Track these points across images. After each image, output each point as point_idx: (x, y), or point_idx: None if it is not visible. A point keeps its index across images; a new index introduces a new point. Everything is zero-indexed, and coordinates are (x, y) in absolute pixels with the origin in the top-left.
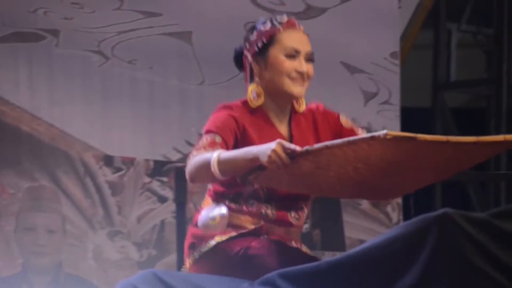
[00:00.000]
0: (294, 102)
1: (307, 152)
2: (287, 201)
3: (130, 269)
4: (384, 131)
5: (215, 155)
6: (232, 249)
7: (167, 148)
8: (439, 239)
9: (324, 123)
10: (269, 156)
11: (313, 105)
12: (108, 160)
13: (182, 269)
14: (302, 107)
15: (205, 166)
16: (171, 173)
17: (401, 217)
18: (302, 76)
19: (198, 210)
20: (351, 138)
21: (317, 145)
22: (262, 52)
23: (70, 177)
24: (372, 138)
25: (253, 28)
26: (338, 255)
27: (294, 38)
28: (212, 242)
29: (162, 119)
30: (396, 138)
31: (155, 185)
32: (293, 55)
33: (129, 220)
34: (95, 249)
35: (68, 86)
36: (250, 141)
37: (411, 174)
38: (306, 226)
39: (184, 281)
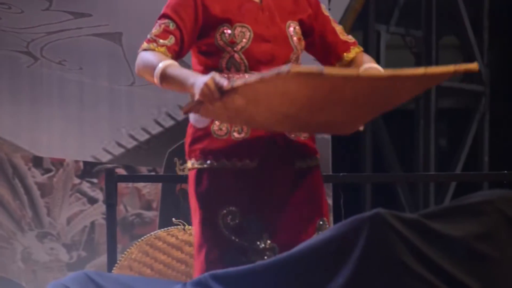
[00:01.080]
0: None
1: (232, 88)
2: (266, 67)
3: (59, 271)
4: (287, 67)
5: (161, 65)
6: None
7: (97, 149)
8: (370, 239)
9: (305, 2)
10: (202, 90)
11: None
12: (37, 161)
13: (113, 270)
14: None
15: (150, 70)
16: (101, 174)
17: (331, 218)
18: None
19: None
20: (263, 74)
21: (238, 81)
22: None
23: None
24: (278, 74)
25: None
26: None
27: None
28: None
29: (91, 120)
30: (301, 74)
31: (85, 186)
32: None
33: (58, 221)
34: (23, 251)
35: None
36: (213, 15)
37: (344, 108)
38: None
39: (115, 282)
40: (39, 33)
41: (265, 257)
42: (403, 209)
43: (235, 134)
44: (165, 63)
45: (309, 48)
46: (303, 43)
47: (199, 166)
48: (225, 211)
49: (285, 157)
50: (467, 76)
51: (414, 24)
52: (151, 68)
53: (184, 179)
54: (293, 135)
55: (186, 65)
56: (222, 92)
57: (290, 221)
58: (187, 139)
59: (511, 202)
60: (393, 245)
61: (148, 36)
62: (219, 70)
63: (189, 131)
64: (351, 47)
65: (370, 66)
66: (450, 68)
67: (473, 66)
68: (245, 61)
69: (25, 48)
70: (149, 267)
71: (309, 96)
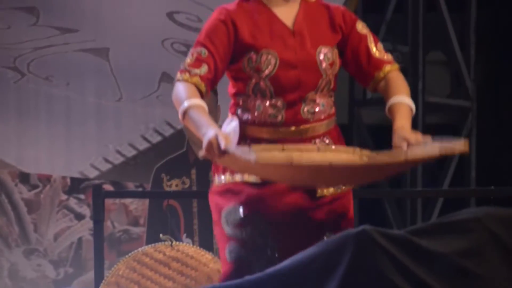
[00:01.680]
0: None
1: (235, 156)
2: (293, 94)
3: None
4: (253, 155)
5: (185, 105)
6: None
7: (84, 165)
8: (356, 256)
9: (338, 18)
10: (206, 145)
11: (339, 7)
12: (24, 178)
13: (100, 286)
14: None
15: (178, 105)
16: (88, 190)
17: None
18: None
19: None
20: (240, 153)
21: (231, 149)
22: None
23: None
24: (248, 161)
25: None
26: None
27: None
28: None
29: (79, 136)
30: (268, 164)
31: (72, 202)
32: None
33: (45, 238)
34: (10, 268)
35: None
36: (242, 40)
37: (340, 178)
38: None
39: None
40: (26, 48)
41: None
42: (390, 224)
43: None
44: (190, 102)
45: (344, 66)
46: (336, 67)
47: (225, 181)
48: (232, 212)
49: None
50: (454, 91)
51: (400, 39)
52: (179, 103)
53: (172, 195)
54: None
55: None
56: (222, 152)
57: (298, 239)
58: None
59: (498, 219)
60: (379, 262)
61: (182, 66)
62: (246, 95)
63: None
64: (384, 65)
65: (393, 105)
66: (435, 151)
67: (461, 147)
68: (271, 87)
69: (12, 63)
70: (136, 284)
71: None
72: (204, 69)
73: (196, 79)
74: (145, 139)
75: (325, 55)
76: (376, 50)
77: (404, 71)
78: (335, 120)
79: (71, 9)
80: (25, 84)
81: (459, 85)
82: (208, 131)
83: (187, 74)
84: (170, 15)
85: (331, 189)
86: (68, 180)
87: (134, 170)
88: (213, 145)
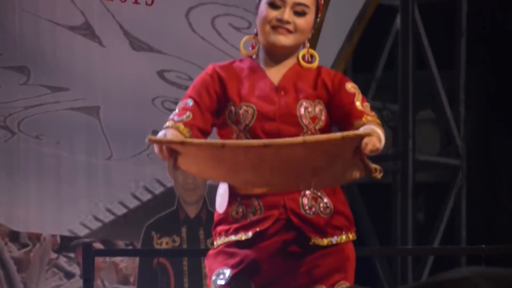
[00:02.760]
0: (300, 57)
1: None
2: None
3: None
4: (181, 138)
5: (160, 133)
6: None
7: (74, 224)
8: None
9: (327, 78)
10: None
11: (331, 70)
12: (13, 236)
13: None
14: (310, 64)
15: None
16: (78, 248)
17: None
18: (282, 24)
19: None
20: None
21: (174, 139)
22: (258, 3)
23: None
24: (180, 142)
25: None
26: None
27: None
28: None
29: (69, 194)
30: (201, 145)
31: (62, 261)
32: (276, 4)
33: None
34: None
35: None
36: (225, 94)
37: (289, 172)
38: None
39: None
40: (16, 107)
41: None
42: (381, 283)
43: (250, 216)
44: (164, 132)
45: (334, 124)
46: (321, 122)
47: (220, 243)
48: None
49: (298, 233)
50: (444, 150)
51: (390, 98)
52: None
53: (162, 253)
54: (310, 213)
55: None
56: (169, 150)
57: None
58: (213, 224)
59: (489, 279)
60: None
61: (169, 118)
62: None
63: (214, 215)
64: (365, 115)
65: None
66: (337, 135)
67: (366, 133)
68: (248, 136)
69: (3, 122)
70: None
71: (236, 162)
72: (188, 115)
73: (179, 125)
74: (135, 197)
75: (305, 109)
76: (361, 105)
77: (394, 129)
78: None
79: (62, 68)
80: (15, 142)
81: (449, 143)
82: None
83: (171, 122)
84: (160, 74)
85: (326, 240)
86: (58, 239)
87: (124, 228)
88: (158, 147)
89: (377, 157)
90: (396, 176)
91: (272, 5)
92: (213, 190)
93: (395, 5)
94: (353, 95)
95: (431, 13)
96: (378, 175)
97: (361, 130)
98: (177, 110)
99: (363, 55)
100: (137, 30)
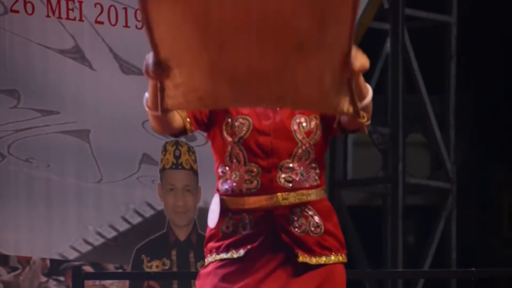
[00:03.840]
0: None
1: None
2: (266, 160)
3: None
4: None
5: (146, 94)
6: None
7: (64, 247)
8: None
9: None
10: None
11: None
12: (3, 260)
13: None
14: None
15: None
16: (68, 272)
17: None
18: None
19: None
20: None
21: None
22: None
23: None
24: None
25: None
26: None
27: None
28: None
29: (59, 217)
30: None
31: (52, 284)
32: None
33: None
34: None
35: None
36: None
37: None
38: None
39: None
40: (6, 130)
41: None
42: None
43: (241, 231)
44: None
45: (327, 130)
46: (316, 137)
47: (211, 260)
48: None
49: (288, 251)
50: (434, 173)
51: (381, 121)
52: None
53: (152, 276)
54: (299, 231)
55: None
56: (155, 64)
57: None
58: (205, 240)
59: None
60: None
61: None
62: (225, 165)
63: (206, 231)
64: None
65: None
66: None
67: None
68: (244, 152)
69: None
70: None
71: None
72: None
73: (182, 112)
74: (125, 220)
75: (299, 124)
76: None
77: (384, 152)
78: (323, 193)
79: (52, 92)
80: (5, 166)
81: (439, 167)
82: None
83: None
84: None
85: (314, 259)
86: (48, 262)
87: (114, 251)
88: (146, 64)
89: (368, 180)
90: (387, 199)
91: None
92: (203, 213)
93: (385, 29)
94: None
95: (421, 37)
96: (365, 122)
97: None
98: None
99: None
100: (127, 54)
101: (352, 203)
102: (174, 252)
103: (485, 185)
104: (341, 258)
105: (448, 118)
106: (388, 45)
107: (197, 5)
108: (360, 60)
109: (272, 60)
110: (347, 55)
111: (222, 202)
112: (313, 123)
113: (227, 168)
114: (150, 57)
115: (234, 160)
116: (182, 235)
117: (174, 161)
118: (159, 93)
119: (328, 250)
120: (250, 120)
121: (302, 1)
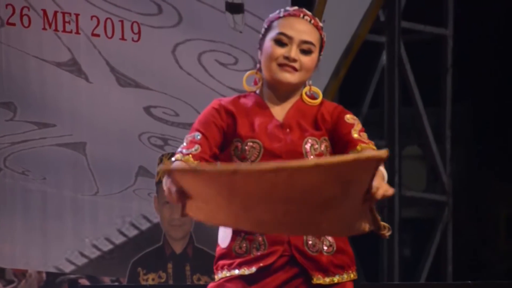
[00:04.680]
0: (304, 93)
1: (180, 188)
2: None
3: None
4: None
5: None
6: None
7: (60, 260)
8: None
9: (327, 117)
10: (165, 190)
11: (331, 104)
12: None
13: None
14: (314, 100)
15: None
16: (64, 285)
17: None
18: (289, 61)
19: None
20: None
21: (186, 167)
22: (262, 39)
23: None
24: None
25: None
26: None
27: (288, 25)
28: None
29: (55, 230)
30: (204, 173)
31: None
32: (283, 41)
33: None
34: None
35: None
36: (231, 129)
37: (303, 207)
38: None
39: None
40: (2, 143)
41: None
42: None
43: (254, 251)
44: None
45: (335, 154)
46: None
47: (221, 276)
48: None
49: (301, 270)
50: (430, 186)
51: (377, 134)
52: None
53: None
54: (313, 251)
55: None
56: (179, 192)
57: None
58: (215, 258)
59: None
60: None
61: (176, 151)
62: None
63: (216, 250)
64: (360, 143)
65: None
66: (349, 157)
67: (380, 153)
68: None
69: None
70: None
71: (249, 194)
72: (196, 148)
73: (188, 157)
74: (122, 233)
75: (311, 146)
76: (357, 134)
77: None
78: None
79: (49, 104)
80: (1, 178)
81: (435, 180)
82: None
83: (180, 155)
84: (147, 109)
85: (328, 279)
86: (44, 275)
87: (110, 264)
88: (167, 189)
89: None
90: (383, 211)
91: (279, 42)
92: (199, 226)
93: (381, 42)
94: (351, 125)
95: (417, 50)
96: (386, 233)
97: (373, 152)
98: (185, 143)
99: (350, 91)
100: (123, 66)
101: None
102: (170, 265)
103: (481, 198)
104: (352, 275)
105: (444, 131)
106: (384, 57)
107: (221, 180)
108: (382, 189)
109: (297, 216)
110: (368, 192)
111: None
112: (323, 145)
113: None
114: (172, 185)
115: None
116: (178, 248)
117: None
118: (181, 203)
119: (340, 268)
120: (261, 143)
121: (328, 176)
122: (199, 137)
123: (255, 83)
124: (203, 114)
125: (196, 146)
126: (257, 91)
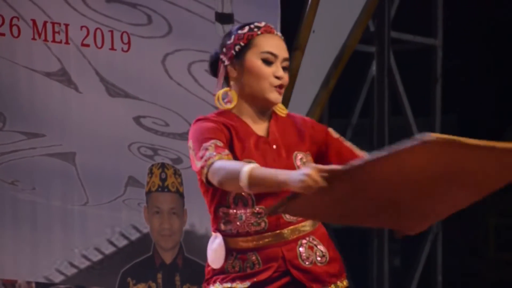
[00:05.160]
0: (276, 107)
1: (346, 170)
2: (274, 200)
3: None
4: (430, 135)
5: (247, 169)
6: None
7: (49, 270)
8: None
9: (308, 129)
10: (303, 181)
11: (296, 114)
12: None
13: None
14: (285, 111)
15: (234, 176)
16: None
17: None
18: (279, 81)
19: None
20: (395, 147)
21: (356, 161)
22: (238, 56)
23: None
24: (424, 143)
25: (230, 33)
26: None
27: (272, 43)
28: None
29: (44, 240)
30: (444, 142)
31: None
32: (269, 60)
33: None
34: None
35: None
36: (233, 146)
37: (447, 193)
38: None
39: None
40: None
41: None
42: None
43: (248, 270)
44: (251, 165)
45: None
46: None
47: None
48: None
49: (296, 283)
50: None
51: (366, 144)
52: (235, 173)
53: None
54: (308, 263)
55: None
56: (328, 179)
57: None
58: (205, 278)
59: None
60: None
61: (203, 160)
62: (227, 207)
63: (206, 270)
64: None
65: None
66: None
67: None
68: (252, 196)
69: None
70: None
71: (428, 177)
72: (226, 152)
73: (229, 157)
74: (111, 243)
75: (301, 159)
76: (353, 147)
77: None
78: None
79: (38, 114)
80: None
81: None
82: (292, 172)
83: (220, 155)
84: (136, 120)
85: None
86: (34, 285)
87: (100, 274)
88: (313, 177)
89: None
90: None
91: (266, 62)
92: (189, 236)
93: (371, 52)
94: (341, 140)
95: (407, 60)
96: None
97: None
98: (211, 149)
99: (339, 101)
100: (113, 76)
101: (338, 226)
102: (160, 275)
103: (471, 208)
104: (345, 282)
105: None
106: (374, 67)
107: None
108: None
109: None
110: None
111: (226, 242)
112: (309, 159)
113: (230, 210)
114: (316, 175)
115: (240, 203)
116: (168, 258)
117: (160, 184)
118: (287, 200)
119: (335, 277)
120: (255, 161)
121: (490, 160)
122: (221, 143)
123: (229, 101)
124: (204, 128)
125: (226, 150)
126: (233, 109)
